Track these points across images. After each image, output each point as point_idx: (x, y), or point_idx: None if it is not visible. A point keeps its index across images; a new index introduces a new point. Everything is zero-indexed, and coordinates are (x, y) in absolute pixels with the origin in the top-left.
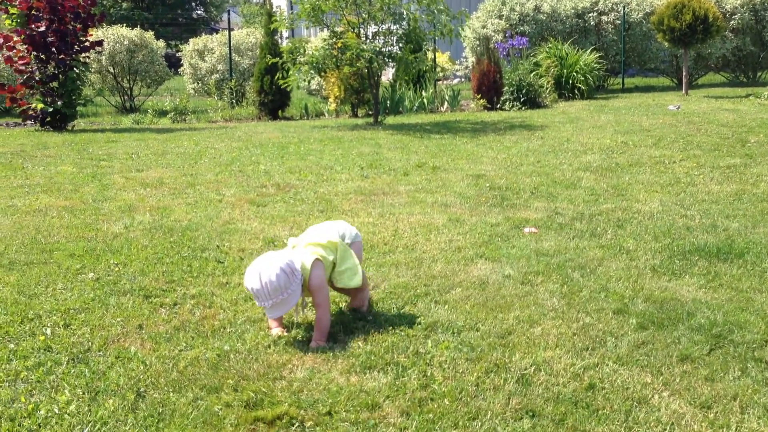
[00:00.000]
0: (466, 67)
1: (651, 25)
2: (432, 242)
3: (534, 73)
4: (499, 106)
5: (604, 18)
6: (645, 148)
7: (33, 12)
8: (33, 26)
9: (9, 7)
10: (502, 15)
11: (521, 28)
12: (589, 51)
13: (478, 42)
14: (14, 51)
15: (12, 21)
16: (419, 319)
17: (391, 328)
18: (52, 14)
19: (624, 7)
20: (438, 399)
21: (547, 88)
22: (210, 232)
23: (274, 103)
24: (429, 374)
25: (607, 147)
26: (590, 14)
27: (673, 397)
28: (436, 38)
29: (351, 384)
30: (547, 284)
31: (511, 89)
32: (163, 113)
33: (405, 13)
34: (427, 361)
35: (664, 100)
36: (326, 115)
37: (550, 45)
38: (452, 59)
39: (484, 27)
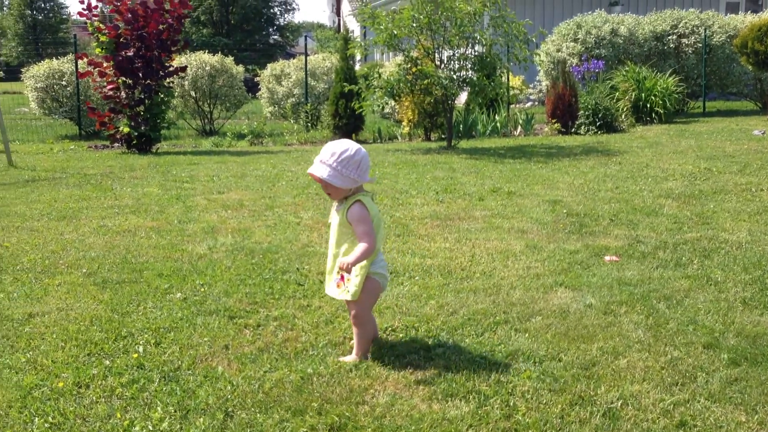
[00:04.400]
0: (540, 91)
1: (734, 48)
2: (510, 269)
3: (610, 96)
4: (573, 130)
5: (684, 41)
6: (730, 175)
7: (121, 40)
8: (121, 53)
9: (99, 36)
10: (578, 38)
11: (597, 52)
12: (668, 74)
13: (552, 65)
14: (105, 77)
15: (102, 49)
16: (499, 347)
17: (470, 355)
18: (138, 41)
19: (705, 29)
20: (522, 430)
21: (624, 112)
22: (290, 254)
23: (348, 126)
24: (512, 404)
25: (689, 173)
26: (669, 37)
27: None
28: (511, 64)
29: (433, 411)
30: (631, 315)
31: (586, 113)
32: (240, 136)
33: (480, 37)
34: (510, 391)
35: (748, 125)
36: (399, 138)
37: (627, 68)
38: (526, 83)
39: (558, 50)
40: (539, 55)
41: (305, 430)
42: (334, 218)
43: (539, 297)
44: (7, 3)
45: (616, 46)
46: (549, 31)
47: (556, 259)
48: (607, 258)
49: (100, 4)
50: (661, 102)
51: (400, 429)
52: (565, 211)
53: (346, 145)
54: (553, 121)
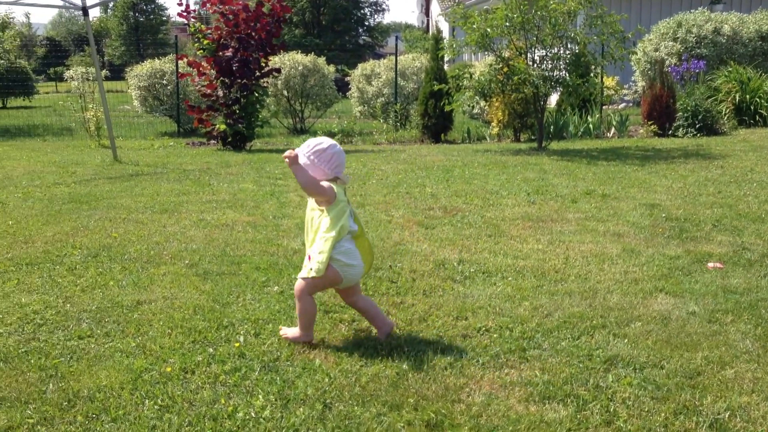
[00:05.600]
0: (635, 92)
1: None
2: (606, 272)
3: (712, 98)
4: (671, 132)
5: None
6: None
7: (222, 41)
8: (220, 53)
9: (201, 38)
10: (677, 37)
11: (698, 51)
12: None
13: (649, 66)
14: (204, 76)
15: (203, 50)
16: (597, 351)
17: (567, 358)
18: (237, 42)
19: None
20: None
21: (725, 115)
22: (382, 252)
23: (437, 126)
24: (612, 410)
25: None
26: None
27: None
28: (606, 63)
29: (530, 413)
30: (738, 324)
31: (685, 115)
32: (331, 134)
33: (573, 35)
34: (609, 396)
35: None
36: (488, 139)
37: (730, 69)
38: (620, 83)
39: (656, 50)
40: (636, 54)
41: (402, 424)
42: (309, 205)
43: (638, 302)
44: (111, 6)
45: (718, 46)
46: (647, 30)
47: (656, 264)
48: (710, 264)
49: (197, 7)
50: (766, 104)
51: (497, 429)
52: (663, 215)
53: (321, 140)
54: (649, 122)
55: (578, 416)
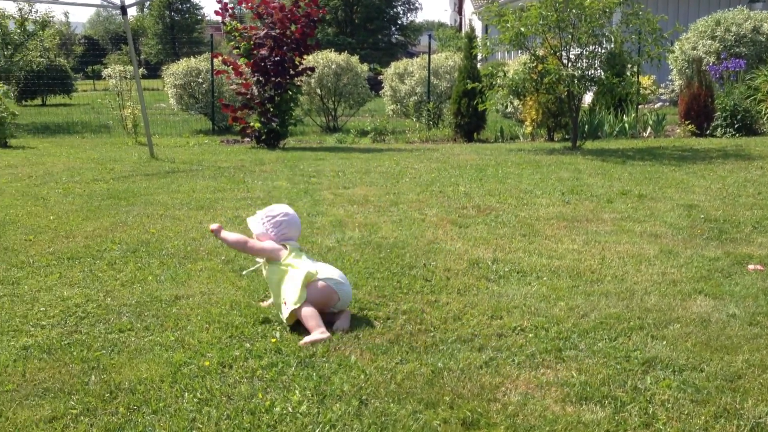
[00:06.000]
0: (672, 91)
1: None
2: (643, 273)
3: (751, 98)
4: (708, 132)
5: None
6: None
7: (257, 41)
8: (255, 51)
9: (237, 36)
10: (716, 36)
11: (737, 50)
12: None
13: (686, 64)
14: (241, 75)
15: (238, 48)
16: (635, 353)
17: (604, 359)
18: (271, 41)
19: None
20: None
21: (765, 115)
22: (416, 250)
23: (470, 125)
24: (651, 412)
25: None
26: None
27: None
28: (642, 62)
29: (567, 414)
30: None
31: (723, 115)
32: (363, 133)
33: (608, 34)
34: (648, 399)
35: None
36: (521, 138)
37: None
38: (656, 82)
39: (694, 49)
40: (674, 52)
41: (438, 422)
42: (265, 265)
43: (677, 304)
44: (147, 5)
45: (757, 45)
46: (685, 28)
47: (694, 265)
48: (750, 267)
49: (235, 5)
50: None
51: (534, 429)
52: (702, 216)
53: (274, 207)
54: (687, 122)
55: (616, 418)
